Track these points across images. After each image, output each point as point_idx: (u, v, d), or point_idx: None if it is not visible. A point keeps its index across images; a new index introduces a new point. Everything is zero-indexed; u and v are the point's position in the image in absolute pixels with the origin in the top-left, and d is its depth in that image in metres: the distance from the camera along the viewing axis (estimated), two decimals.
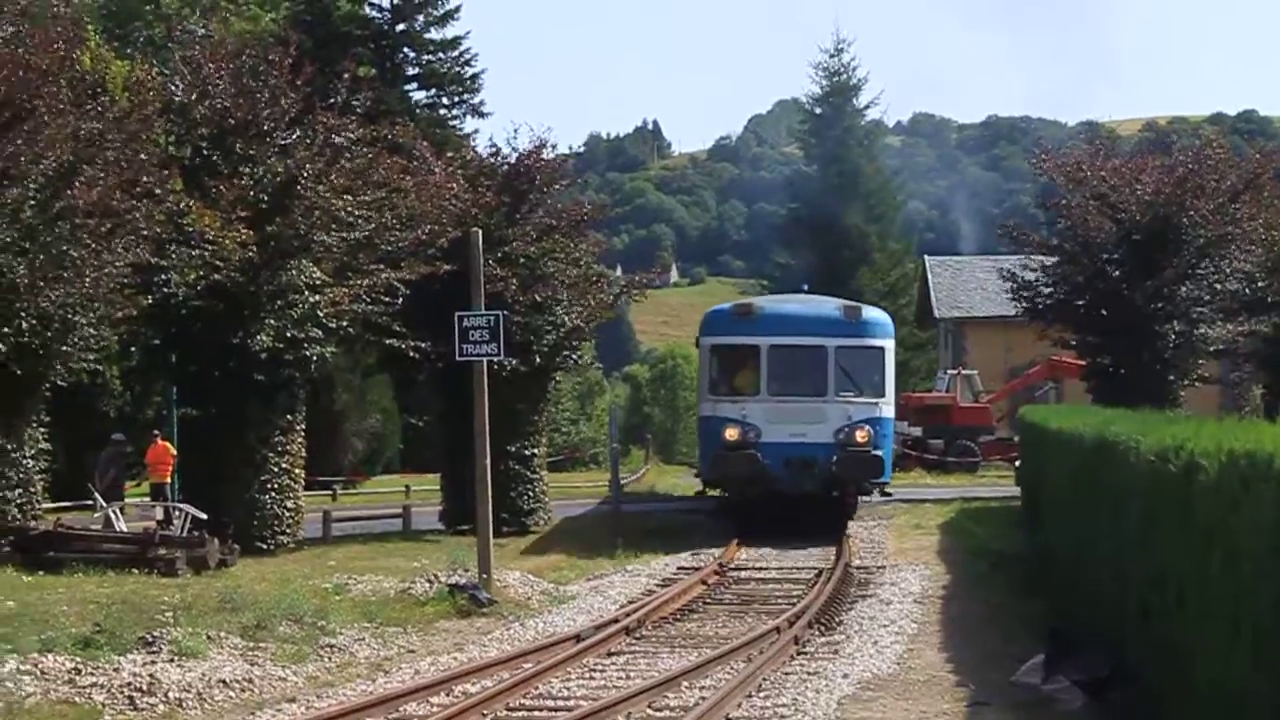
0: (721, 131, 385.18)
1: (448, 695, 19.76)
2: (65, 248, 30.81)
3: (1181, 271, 45.93)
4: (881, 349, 40.48)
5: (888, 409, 40.49)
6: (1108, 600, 19.17)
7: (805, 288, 49.37)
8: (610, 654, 23.25)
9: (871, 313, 42.23)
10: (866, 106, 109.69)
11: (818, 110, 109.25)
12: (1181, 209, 45.42)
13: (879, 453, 39.17)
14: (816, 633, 24.71)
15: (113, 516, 35.25)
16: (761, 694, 19.87)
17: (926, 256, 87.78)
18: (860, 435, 38.85)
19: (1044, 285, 47.72)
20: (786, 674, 21.31)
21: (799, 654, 22.94)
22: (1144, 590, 16.41)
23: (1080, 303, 47.04)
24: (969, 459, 60.90)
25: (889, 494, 43.29)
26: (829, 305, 42.52)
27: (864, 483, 40.40)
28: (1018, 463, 45.44)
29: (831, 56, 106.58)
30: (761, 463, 38.53)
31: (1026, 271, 48.41)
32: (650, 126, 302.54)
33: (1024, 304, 48.56)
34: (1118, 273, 46.06)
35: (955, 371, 68.14)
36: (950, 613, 26.83)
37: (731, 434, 38.89)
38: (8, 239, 29.94)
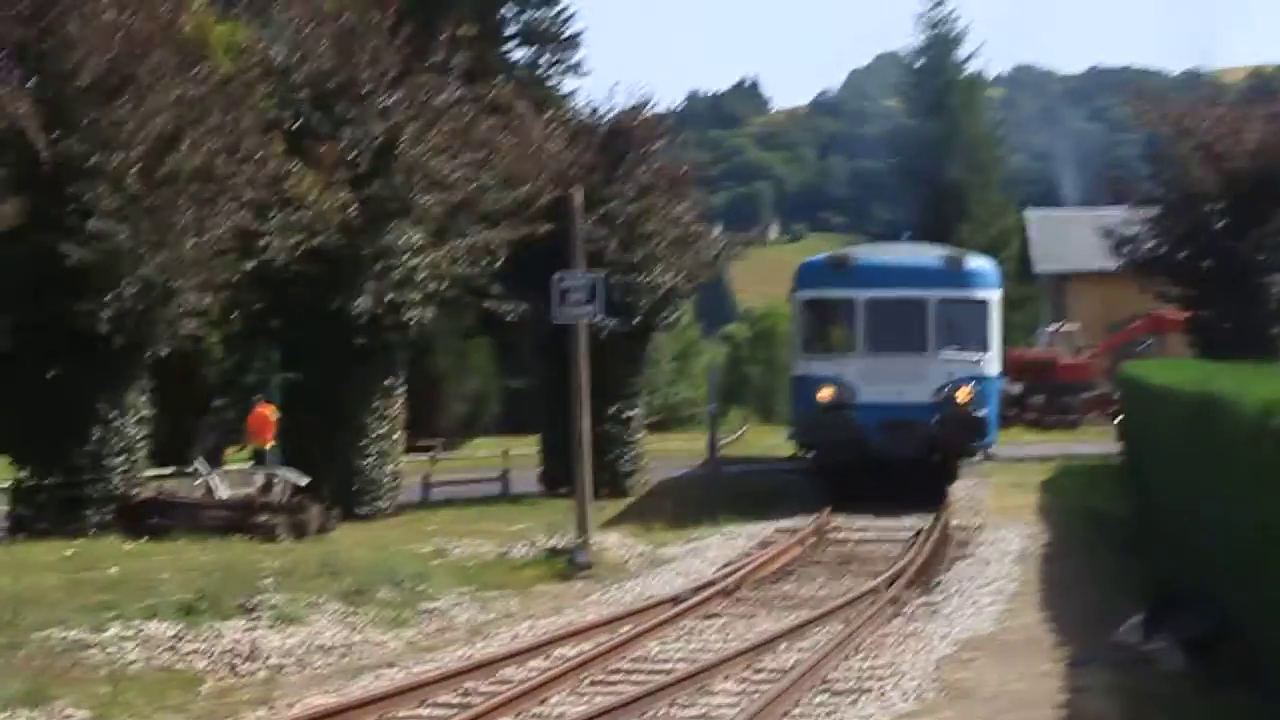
0: (821, 86, 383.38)
1: (545, 659, 19.81)
2: (168, 214, 31.03)
3: None
4: (986, 301, 38.04)
5: (993, 366, 38.22)
6: (1211, 558, 19.01)
7: (907, 235, 46.77)
8: (708, 616, 23.27)
9: (975, 261, 39.95)
10: (968, 58, 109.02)
11: (918, 63, 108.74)
12: None
13: (983, 413, 36.95)
14: (915, 593, 24.63)
15: (213, 483, 35.53)
16: (859, 655, 19.87)
17: (1028, 210, 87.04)
18: (962, 395, 36.50)
19: (1145, 239, 47.35)
20: (884, 635, 21.27)
21: (897, 615, 22.89)
22: (1248, 547, 16.26)
23: (1182, 255, 46.64)
24: (1070, 415, 60.49)
25: (993, 456, 41.18)
26: (930, 254, 40.55)
27: (966, 446, 38.01)
28: (1118, 419, 45.07)
29: (933, 8, 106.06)
30: (856, 425, 36.40)
31: (1128, 226, 48.01)
32: (749, 83, 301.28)
33: (1124, 259, 48.22)
34: (1222, 224, 45.62)
35: (1056, 327, 67.71)
36: (1050, 572, 26.69)
37: (825, 394, 36.88)
38: (112, 205, 30.19)
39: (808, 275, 39.57)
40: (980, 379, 37.19)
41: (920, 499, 35.09)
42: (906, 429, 36.26)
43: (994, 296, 38.45)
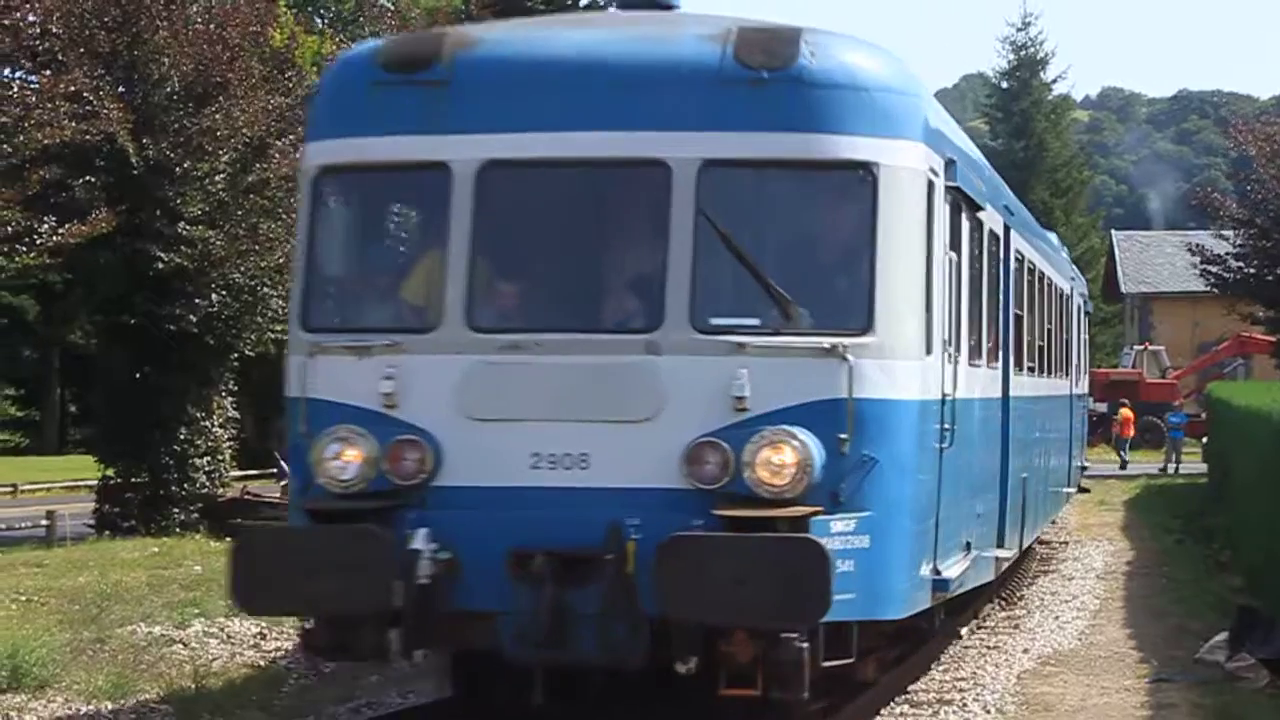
0: None
1: None
2: (257, 221, 31.27)
3: None
4: (871, 167, 12.65)
5: (921, 371, 13.12)
6: None
7: None
8: None
9: (838, 52, 13.16)
10: (1054, 80, 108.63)
11: (1004, 84, 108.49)
12: None
13: (847, 530, 12.11)
14: (997, 608, 24.51)
15: None
16: (940, 668, 19.75)
17: (1114, 231, 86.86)
18: (773, 462, 11.84)
19: (1233, 259, 47.17)
20: (965, 648, 21.13)
21: (978, 629, 22.76)
22: None
23: (1270, 278, 46.43)
24: (1156, 435, 60.29)
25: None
26: (692, 30, 13.12)
27: (773, 633, 11.45)
28: (1205, 439, 44.81)
29: (1019, 30, 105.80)
30: (417, 563, 11.96)
31: (1217, 243, 47.90)
32: None
33: (1212, 278, 48.02)
34: None
35: (1142, 347, 67.50)
36: (1134, 589, 26.50)
37: (337, 460, 12.81)
38: (200, 211, 30.48)
39: (334, 101, 13.86)
40: (863, 409, 12.27)
41: None
42: (584, 574, 11.94)
43: (906, 157, 13.19)
